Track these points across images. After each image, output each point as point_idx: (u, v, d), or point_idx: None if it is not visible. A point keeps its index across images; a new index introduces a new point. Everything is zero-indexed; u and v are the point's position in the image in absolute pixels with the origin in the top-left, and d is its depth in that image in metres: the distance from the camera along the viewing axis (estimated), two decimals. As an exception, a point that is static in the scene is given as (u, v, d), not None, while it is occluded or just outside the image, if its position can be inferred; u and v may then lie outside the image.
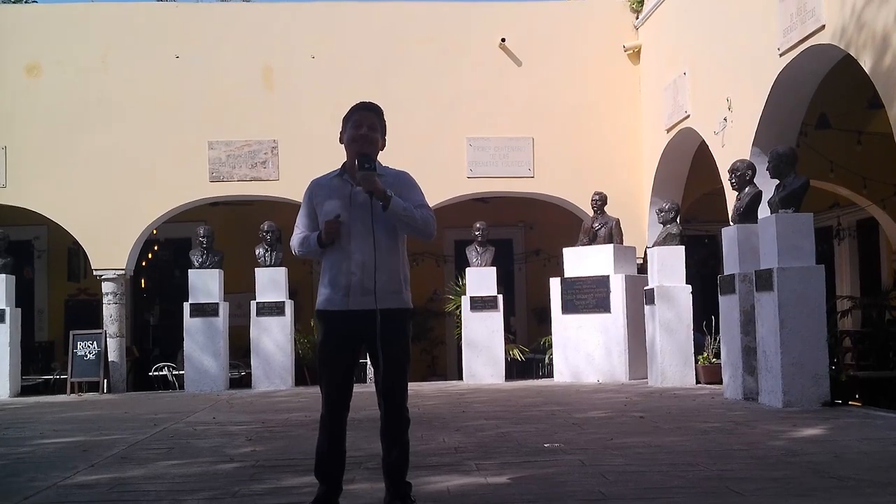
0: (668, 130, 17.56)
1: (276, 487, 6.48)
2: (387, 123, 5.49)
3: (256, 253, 17.64)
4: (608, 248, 16.85)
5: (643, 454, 7.52)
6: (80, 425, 11.48)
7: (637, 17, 19.34)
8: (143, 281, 23.28)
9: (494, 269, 17.65)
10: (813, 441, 8.16)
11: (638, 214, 18.89)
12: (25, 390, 17.96)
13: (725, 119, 14.91)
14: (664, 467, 6.80)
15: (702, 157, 16.87)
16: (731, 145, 14.64)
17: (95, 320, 20.19)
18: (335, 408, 5.31)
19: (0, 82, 18.91)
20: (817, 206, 18.48)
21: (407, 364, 5.34)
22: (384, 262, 5.23)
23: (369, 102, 5.49)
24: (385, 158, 18.20)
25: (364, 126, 5.34)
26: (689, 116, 16.56)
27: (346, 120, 5.44)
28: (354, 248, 5.23)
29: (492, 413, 11.39)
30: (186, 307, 17.35)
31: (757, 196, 12.54)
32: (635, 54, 19.42)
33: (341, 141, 5.43)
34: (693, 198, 19.34)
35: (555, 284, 17.29)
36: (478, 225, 17.71)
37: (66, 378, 17.86)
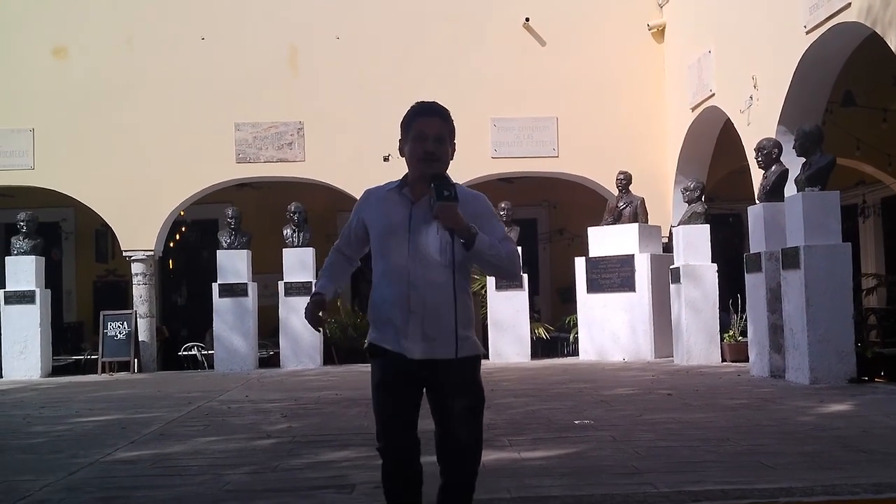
0: (693, 109, 17.58)
1: (315, 462, 6.63)
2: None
3: (284, 234, 17.80)
4: (633, 227, 16.92)
5: (673, 430, 7.64)
6: (115, 404, 11.71)
7: (661, -4, 19.36)
8: (170, 262, 23.46)
9: (519, 248, 17.68)
10: (841, 416, 8.26)
11: (663, 193, 18.93)
12: (56, 370, 18.20)
13: (751, 97, 14.93)
14: (695, 443, 6.92)
15: (726, 135, 16.90)
16: (757, 123, 14.66)
17: (123, 301, 20.41)
18: (401, 465, 4.18)
19: (27, 64, 19.07)
20: (842, 183, 18.42)
21: (481, 420, 4.19)
22: (455, 303, 4.05)
23: (432, 104, 4.26)
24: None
25: (429, 139, 4.11)
26: (713, 95, 16.57)
27: (405, 126, 4.21)
28: (415, 280, 4.06)
29: (520, 391, 11.51)
30: (215, 287, 17.56)
31: (783, 174, 12.59)
32: (660, 33, 19.42)
33: (402, 153, 4.26)
34: (718, 176, 19.35)
35: (580, 264, 17.38)
36: (502, 205, 17.76)
37: (96, 358, 18.12)
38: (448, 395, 4.08)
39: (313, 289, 4.54)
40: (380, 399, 4.19)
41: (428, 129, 4.11)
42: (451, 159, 4.21)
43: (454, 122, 4.23)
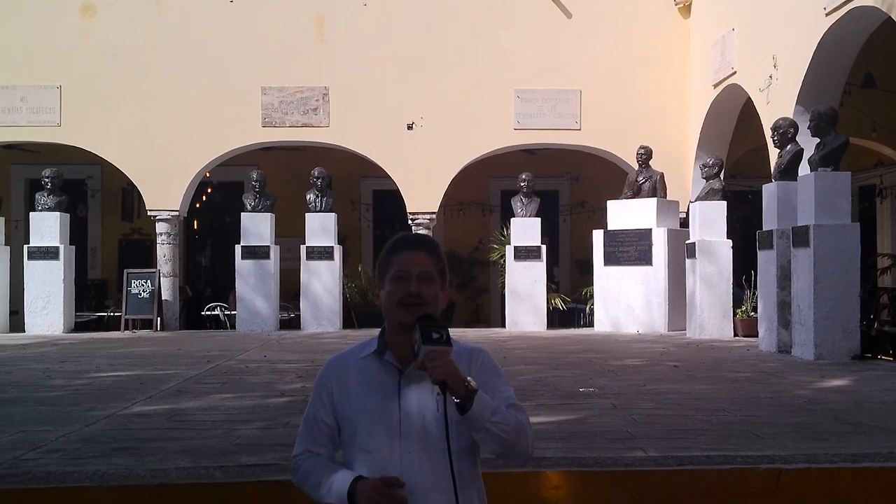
0: (715, 86, 17.65)
1: (325, 420, 6.85)
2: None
3: (307, 198, 18.02)
4: (651, 202, 17.06)
5: (673, 400, 7.86)
6: (136, 360, 11.99)
7: (689, -29, 19.36)
8: (195, 222, 23.73)
9: (539, 219, 17.93)
10: (837, 391, 8.48)
11: (683, 169, 19.05)
12: (79, 326, 18.57)
13: (771, 77, 15.03)
14: (691, 412, 7.13)
15: (748, 113, 16.97)
16: (776, 103, 14.76)
17: (148, 260, 20.74)
18: None
19: (55, 22, 19.29)
20: (861, 164, 18.60)
21: None
22: (459, 495, 3.00)
23: (416, 235, 3.47)
24: (432, 112, 18.54)
25: (413, 277, 3.12)
26: (735, 73, 16.65)
27: (382, 266, 3.22)
28: (412, 478, 3.00)
29: (531, 359, 11.74)
30: (238, 249, 17.84)
31: (798, 154, 12.73)
32: (686, 8, 19.44)
33: (376, 296, 3.27)
34: (738, 154, 19.44)
35: (597, 236, 17.55)
36: (523, 176, 17.96)
37: (119, 315, 18.44)
38: None
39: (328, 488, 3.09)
40: None
41: (411, 267, 3.14)
42: (443, 308, 3.19)
43: (441, 250, 3.27)
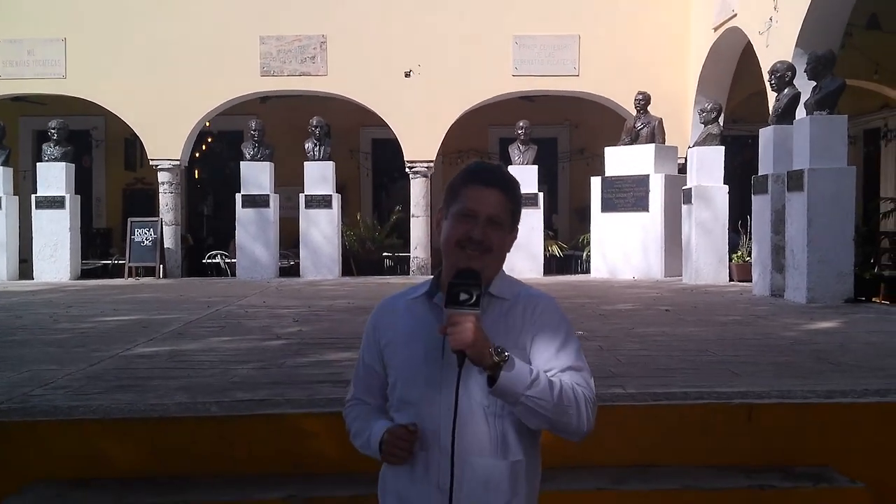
0: (716, 29, 17.61)
1: (319, 360, 7.02)
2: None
3: (305, 147, 18.11)
4: (649, 148, 17.06)
5: (659, 342, 7.98)
6: (139, 305, 12.19)
7: (689, -89, 19.21)
8: (196, 172, 23.85)
9: (535, 167, 17.96)
10: (824, 332, 8.60)
11: (682, 114, 19.06)
12: (85, 274, 18.82)
13: (771, 19, 15.00)
14: (676, 353, 7.25)
15: (748, 57, 16.94)
16: (775, 46, 14.75)
17: (151, 209, 20.88)
18: None
19: (59, -26, 19.29)
20: (866, 106, 18.57)
21: None
22: (497, 479, 2.72)
23: (495, 169, 2.91)
24: (430, 59, 18.53)
25: (480, 219, 2.76)
26: (735, 15, 16.60)
27: (451, 193, 2.85)
28: (447, 442, 2.67)
29: (526, 304, 11.81)
30: (238, 198, 17.96)
31: (795, 97, 12.77)
32: (687, -52, 19.35)
33: (437, 223, 2.94)
34: (738, 99, 19.44)
35: (595, 183, 17.59)
36: (521, 123, 17.99)
37: (123, 263, 18.68)
38: None
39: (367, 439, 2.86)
40: None
41: (481, 207, 2.76)
42: (509, 250, 2.88)
43: (519, 189, 2.90)
